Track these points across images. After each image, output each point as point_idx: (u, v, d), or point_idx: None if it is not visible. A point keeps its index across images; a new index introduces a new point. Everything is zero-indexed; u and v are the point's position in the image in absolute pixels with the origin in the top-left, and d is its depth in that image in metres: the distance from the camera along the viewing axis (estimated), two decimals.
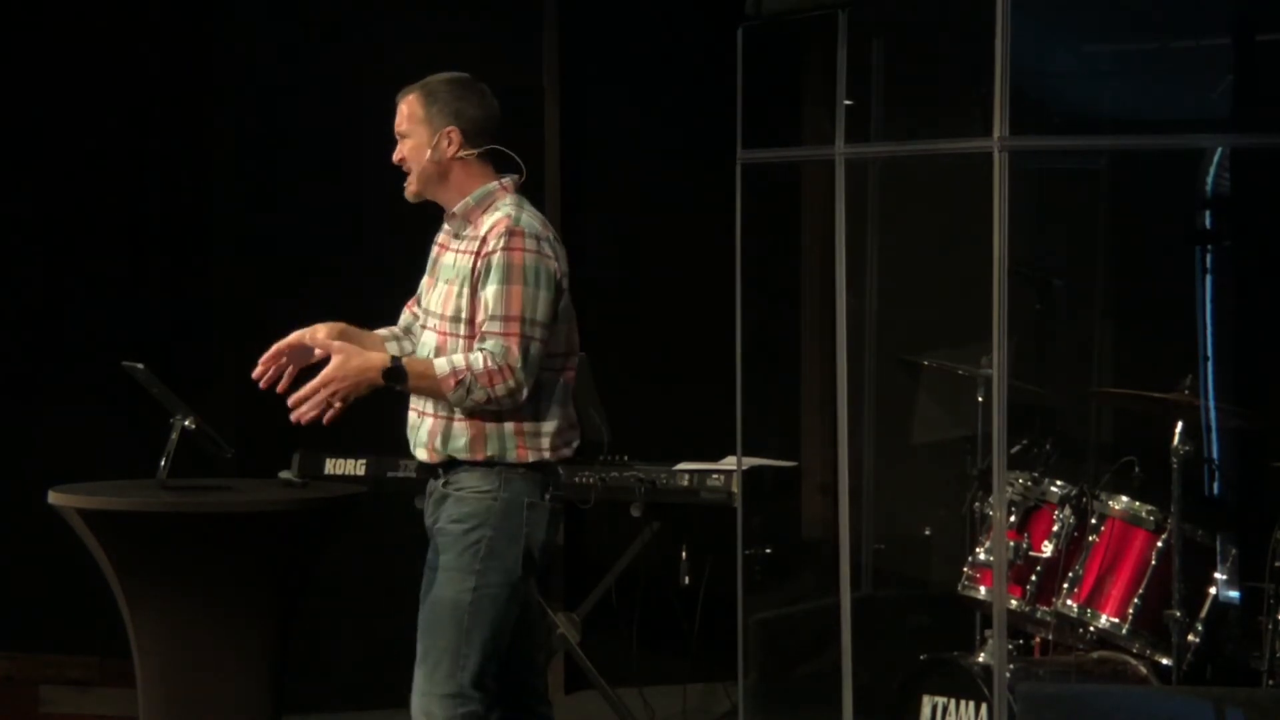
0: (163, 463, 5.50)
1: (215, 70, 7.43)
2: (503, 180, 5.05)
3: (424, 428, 4.99)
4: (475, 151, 5.02)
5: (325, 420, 4.88)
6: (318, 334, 5.00)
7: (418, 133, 5.03)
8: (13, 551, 7.17)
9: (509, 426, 4.92)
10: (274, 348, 5.00)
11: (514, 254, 4.89)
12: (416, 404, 5.03)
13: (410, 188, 5.06)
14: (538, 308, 4.88)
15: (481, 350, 4.86)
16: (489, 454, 4.92)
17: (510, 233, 4.91)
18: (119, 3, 7.35)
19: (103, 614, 5.72)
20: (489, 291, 4.88)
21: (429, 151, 5.01)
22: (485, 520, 4.91)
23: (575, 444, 5.07)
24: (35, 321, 7.36)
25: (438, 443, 4.95)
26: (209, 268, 7.45)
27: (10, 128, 7.32)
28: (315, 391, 4.83)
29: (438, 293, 5.04)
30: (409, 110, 5.05)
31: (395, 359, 4.90)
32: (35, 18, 7.31)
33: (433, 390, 4.88)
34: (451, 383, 4.84)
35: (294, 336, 5.01)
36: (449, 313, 4.97)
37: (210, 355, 7.34)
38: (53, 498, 5.39)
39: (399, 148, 5.07)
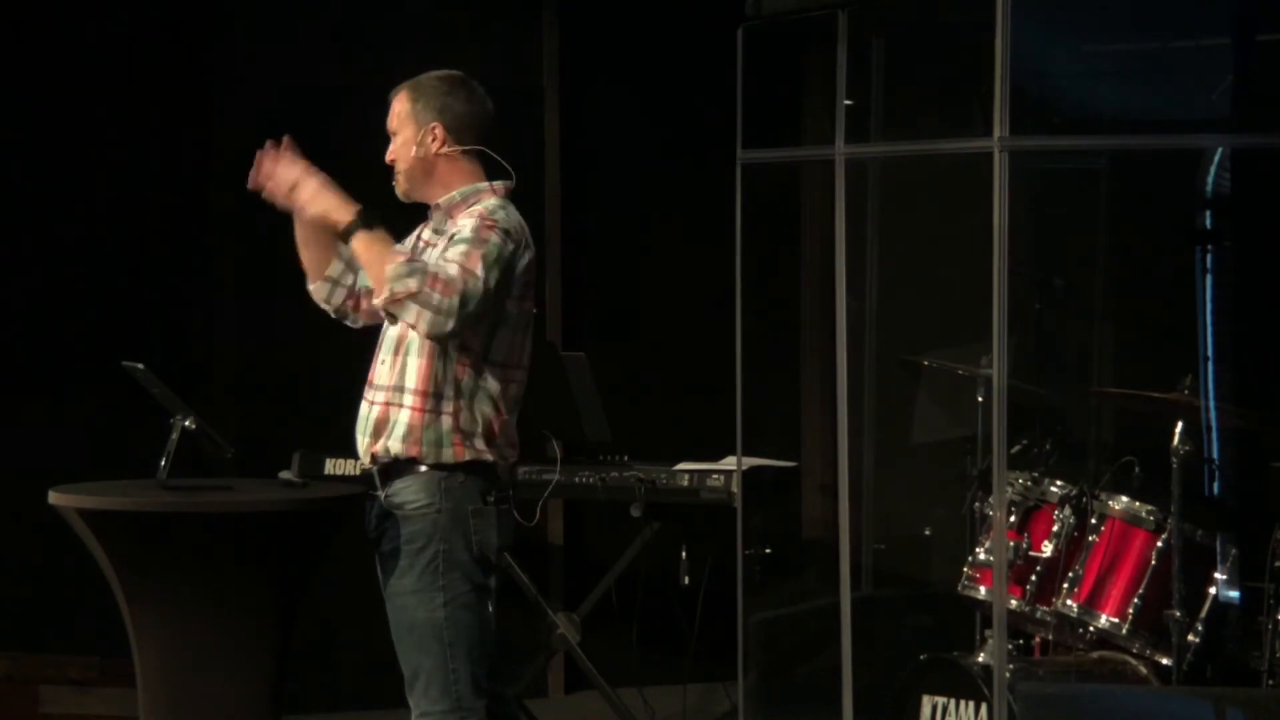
0: (163, 463, 5.48)
1: (216, 70, 7.43)
2: (493, 183, 4.99)
3: (371, 415, 4.93)
4: (460, 148, 4.96)
5: (250, 184, 4.99)
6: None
7: (405, 129, 4.98)
8: (13, 551, 7.17)
9: (446, 422, 4.84)
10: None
11: (484, 231, 4.82)
12: (369, 394, 4.98)
13: (398, 186, 5.01)
14: (490, 279, 4.78)
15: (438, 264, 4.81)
16: (424, 450, 4.85)
17: (484, 218, 4.86)
18: (120, 2, 7.35)
19: (103, 614, 5.70)
20: (455, 247, 4.80)
21: (414, 148, 4.96)
22: (433, 535, 4.86)
23: (513, 460, 4.98)
24: (35, 321, 7.35)
25: (380, 430, 4.90)
26: (209, 268, 7.45)
27: (9, 127, 7.32)
28: (289, 168, 4.93)
29: None
30: (398, 107, 5.00)
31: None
32: (35, 17, 7.30)
33: (382, 256, 4.78)
34: (401, 258, 4.77)
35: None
36: None
37: (210, 355, 7.34)
38: (53, 498, 5.37)
39: (391, 146, 5.03)
